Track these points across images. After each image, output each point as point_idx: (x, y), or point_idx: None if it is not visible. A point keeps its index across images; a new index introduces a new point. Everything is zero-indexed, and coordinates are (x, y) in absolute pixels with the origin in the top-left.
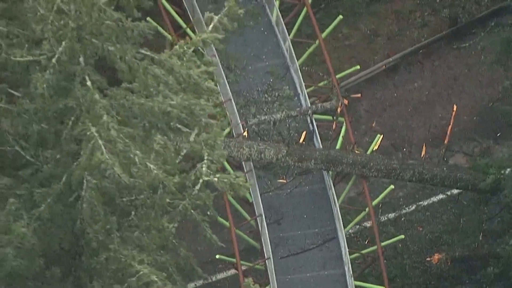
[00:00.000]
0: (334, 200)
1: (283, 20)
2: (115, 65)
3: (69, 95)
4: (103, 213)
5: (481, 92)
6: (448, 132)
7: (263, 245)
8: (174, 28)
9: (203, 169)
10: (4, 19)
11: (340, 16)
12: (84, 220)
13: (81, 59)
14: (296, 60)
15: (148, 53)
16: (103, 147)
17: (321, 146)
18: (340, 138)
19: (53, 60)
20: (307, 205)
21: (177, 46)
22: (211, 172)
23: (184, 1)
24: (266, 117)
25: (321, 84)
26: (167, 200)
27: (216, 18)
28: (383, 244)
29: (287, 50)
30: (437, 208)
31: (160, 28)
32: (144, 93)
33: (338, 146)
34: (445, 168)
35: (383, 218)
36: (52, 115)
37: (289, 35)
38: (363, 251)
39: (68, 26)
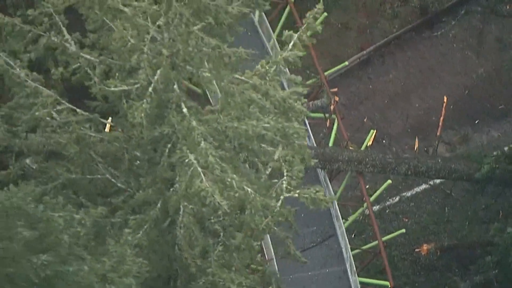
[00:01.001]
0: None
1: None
2: (207, 90)
3: (164, 123)
4: (201, 237)
5: (456, 80)
6: (440, 124)
7: (264, 246)
8: None
9: (284, 185)
10: (96, 50)
11: (325, 14)
12: (181, 245)
13: (176, 86)
14: None
15: (243, 77)
16: (202, 174)
17: (314, 144)
18: (333, 135)
19: (149, 89)
20: (304, 204)
21: (259, 66)
22: (292, 188)
23: None
24: None
25: (309, 82)
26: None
27: (295, 35)
28: (384, 239)
29: (272, 49)
30: (421, 198)
31: None
32: (235, 116)
33: (330, 144)
34: (439, 160)
35: (367, 211)
36: (146, 142)
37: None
38: (364, 247)
39: (162, 55)
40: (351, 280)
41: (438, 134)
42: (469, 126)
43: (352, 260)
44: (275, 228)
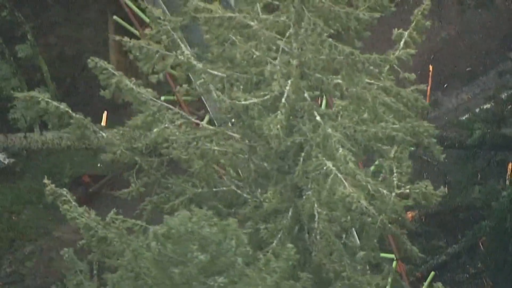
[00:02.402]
0: None
1: None
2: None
3: (293, 132)
4: (338, 242)
5: (421, 46)
6: (428, 94)
7: None
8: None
9: (395, 182)
10: (223, 64)
11: None
12: (318, 251)
13: (306, 94)
14: None
15: (372, 81)
16: (344, 181)
17: None
18: None
19: (283, 100)
20: None
21: (371, 67)
22: (402, 185)
23: None
24: None
25: None
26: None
27: (406, 33)
28: None
29: None
30: None
31: (128, 26)
32: (359, 119)
33: None
34: None
35: None
36: (274, 152)
37: None
38: None
39: (291, 64)
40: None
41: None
42: (438, 90)
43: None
44: (390, 226)
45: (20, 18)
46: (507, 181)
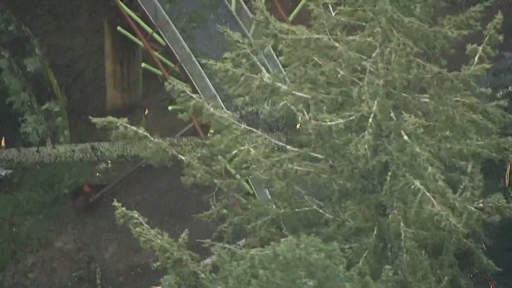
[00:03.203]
0: None
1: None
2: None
3: (380, 151)
4: (424, 260)
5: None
6: None
7: None
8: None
9: (468, 196)
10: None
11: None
12: (405, 269)
13: (392, 114)
14: None
15: (459, 98)
16: (432, 199)
17: None
18: None
19: (370, 120)
20: None
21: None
22: (475, 198)
23: (142, 5)
24: (253, 107)
25: None
26: None
27: (480, 48)
28: None
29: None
30: None
31: (131, 36)
32: (442, 136)
33: None
34: None
35: None
36: (359, 172)
37: None
38: None
39: (376, 84)
40: None
41: None
42: None
43: None
44: (465, 240)
45: (27, 32)
46: (506, 180)
